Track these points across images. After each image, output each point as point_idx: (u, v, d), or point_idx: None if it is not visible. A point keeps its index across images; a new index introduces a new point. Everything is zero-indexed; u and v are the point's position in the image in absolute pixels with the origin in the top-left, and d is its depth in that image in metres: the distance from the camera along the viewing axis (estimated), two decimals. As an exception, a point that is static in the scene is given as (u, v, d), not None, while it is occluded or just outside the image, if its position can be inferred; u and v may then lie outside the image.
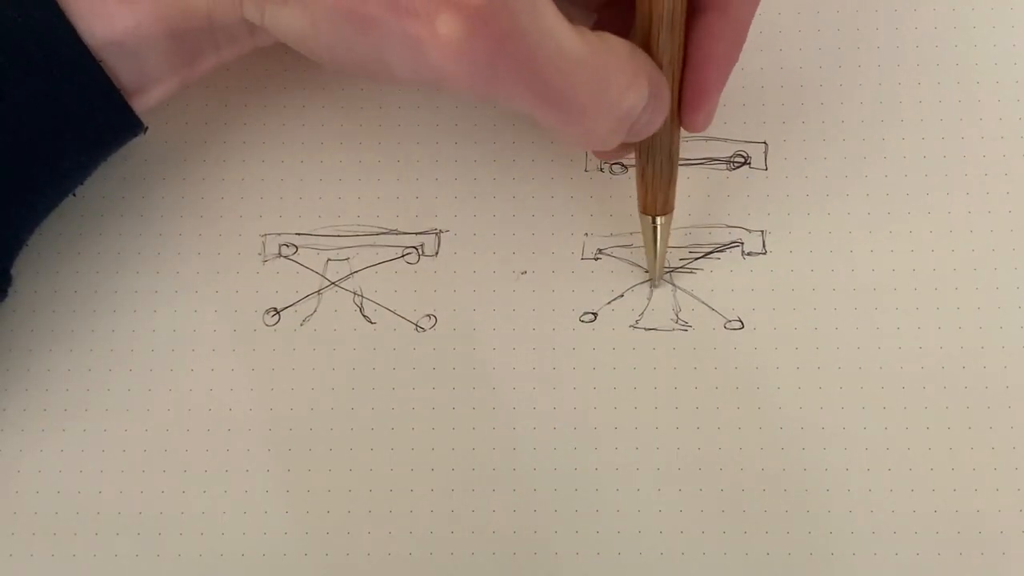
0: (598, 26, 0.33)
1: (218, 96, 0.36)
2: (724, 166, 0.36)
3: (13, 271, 0.31)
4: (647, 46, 0.30)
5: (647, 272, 0.34)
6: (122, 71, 0.29)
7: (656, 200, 0.32)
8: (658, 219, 0.33)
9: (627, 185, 0.35)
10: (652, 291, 0.34)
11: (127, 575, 0.32)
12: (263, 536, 0.32)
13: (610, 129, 0.29)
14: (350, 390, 0.33)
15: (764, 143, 0.36)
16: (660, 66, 0.30)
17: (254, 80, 0.37)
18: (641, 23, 0.30)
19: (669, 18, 0.29)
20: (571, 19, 0.28)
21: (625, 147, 0.32)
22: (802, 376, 0.33)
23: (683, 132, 0.32)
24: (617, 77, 0.28)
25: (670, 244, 0.34)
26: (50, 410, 0.33)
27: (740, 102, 0.36)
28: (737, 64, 0.36)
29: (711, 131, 0.35)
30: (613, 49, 0.28)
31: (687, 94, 0.31)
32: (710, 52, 0.30)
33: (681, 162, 0.35)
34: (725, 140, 0.36)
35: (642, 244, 0.34)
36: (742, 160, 0.36)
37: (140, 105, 0.30)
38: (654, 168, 0.32)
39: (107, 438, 0.33)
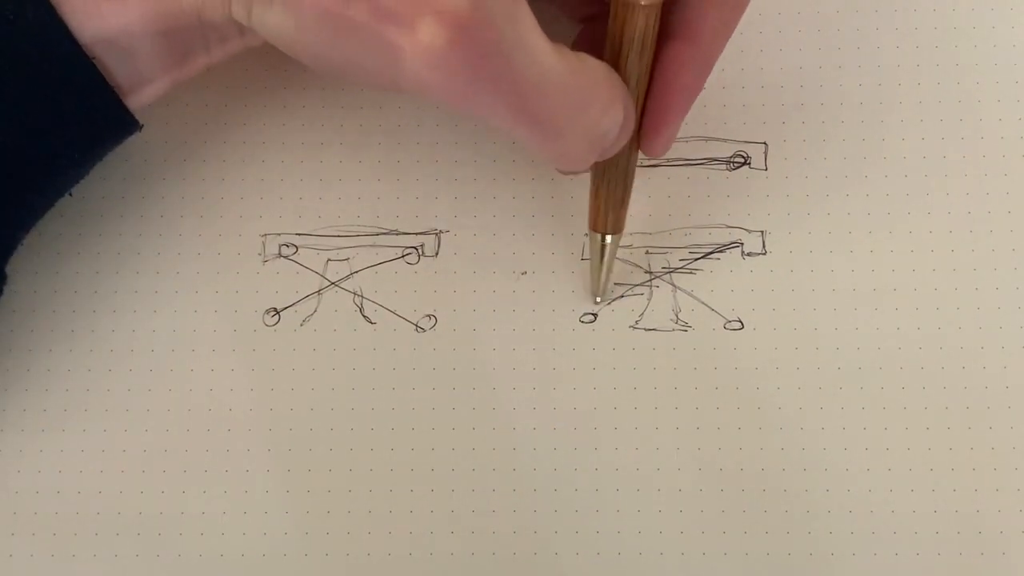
0: (582, 36, 0.33)
1: (218, 96, 0.36)
2: (724, 166, 0.36)
3: (8, 270, 0.31)
4: (615, 66, 0.29)
5: (592, 290, 0.34)
6: (115, 69, 0.29)
7: (607, 219, 0.32)
8: (607, 237, 0.33)
9: (627, 185, 0.35)
10: (652, 291, 0.34)
11: (127, 575, 0.32)
12: (263, 536, 0.32)
13: (584, 151, 0.29)
14: (350, 390, 0.34)
15: (764, 143, 0.36)
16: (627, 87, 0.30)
17: (254, 80, 0.37)
18: (612, 43, 0.29)
19: (640, 42, 0.29)
20: (557, 32, 0.28)
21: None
22: (802, 376, 0.33)
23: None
24: (594, 100, 0.28)
25: (673, 245, 0.35)
26: (50, 410, 0.33)
27: (740, 102, 0.36)
28: (737, 64, 0.36)
29: (711, 131, 0.36)
30: (592, 71, 0.28)
31: (648, 119, 0.31)
32: (675, 80, 0.30)
33: (681, 162, 0.35)
34: (725, 140, 0.36)
35: (641, 245, 0.34)
36: (742, 160, 0.36)
37: (133, 104, 0.30)
38: (608, 188, 0.32)
39: (107, 438, 0.33)
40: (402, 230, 0.35)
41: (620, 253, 0.34)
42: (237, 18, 0.28)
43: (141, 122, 0.31)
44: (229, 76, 0.36)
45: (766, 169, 0.36)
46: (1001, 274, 0.34)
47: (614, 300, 0.34)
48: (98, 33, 0.28)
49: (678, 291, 0.34)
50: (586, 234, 0.35)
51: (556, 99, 0.27)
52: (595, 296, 0.34)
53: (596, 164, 0.31)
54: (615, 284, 0.34)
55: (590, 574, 0.32)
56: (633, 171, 0.32)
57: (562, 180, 0.35)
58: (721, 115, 0.36)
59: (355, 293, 0.34)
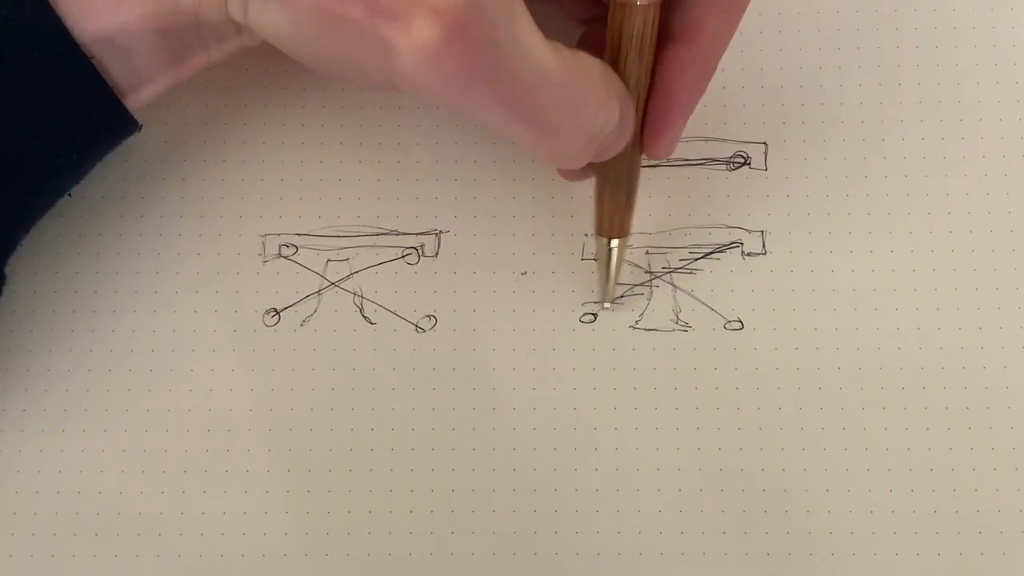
0: (584, 38, 0.33)
1: (218, 96, 0.36)
2: (724, 166, 0.36)
3: (8, 270, 0.31)
4: (615, 68, 0.29)
5: (600, 294, 0.34)
6: (113, 69, 0.29)
7: (612, 223, 0.32)
8: (613, 241, 0.33)
9: (627, 185, 0.35)
10: (652, 291, 0.34)
11: (127, 575, 0.32)
12: (263, 536, 0.32)
13: (580, 148, 0.29)
14: (350, 390, 0.34)
15: (764, 143, 0.36)
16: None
17: (254, 80, 0.37)
18: (611, 45, 0.30)
19: (638, 43, 0.29)
20: (558, 33, 0.28)
21: (589, 169, 0.32)
22: (802, 376, 0.33)
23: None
24: (590, 97, 0.28)
25: (673, 245, 0.35)
26: (50, 410, 0.33)
27: (740, 102, 0.36)
28: (737, 64, 0.36)
29: (711, 131, 0.36)
30: (587, 68, 0.28)
31: (650, 121, 0.31)
32: (677, 82, 0.30)
33: (681, 162, 0.35)
34: (725, 140, 0.36)
35: (641, 245, 0.34)
36: (742, 160, 0.36)
37: (131, 104, 0.30)
38: (612, 191, 0.32)
39: (107, 438, 0.33)
40: (402, 230, 0.35)
41: (620, 253, 0.34)
42: (234, 16, 0.28)
43: (140, 122, 0.31)
44: (229, 76, 0.36)
45: (766, 169, 0.36)
46: (1001, 274, 0.34)
47: (614, 300, 0.34)
48: (96, 32, 0.28)
49: (678, 291, 0.34)
50: (587, 234, 0.35)
51: (551, 96, 0.27)
52: (603, 301, 0.34)
53: (600, 167, 0.31)
54: (615, 285, 0.34)
55: (590, 574, 0.32)
56: (637, 174, 0.32)
57: (562, 180, 0.35)
58: (721, 115, 0.36)
59: (355, 293, 0.34)
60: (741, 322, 0.34)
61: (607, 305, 0.34)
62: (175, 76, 0.30)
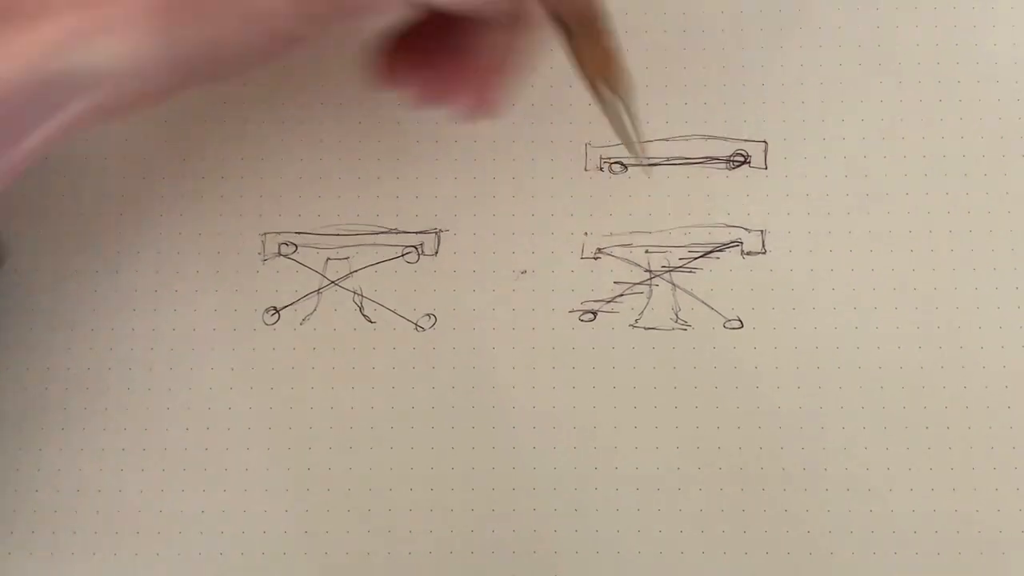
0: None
1: (218, 95, 0.36)
2: (724, 165, 0.36)
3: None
4: (593, 35, 0.28)
5: (627, 149, 0.31)
6: None
7: (595, 62, 0.29)
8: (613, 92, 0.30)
9: (627, 185, 0.35)
10: (652, 290, 0.34)
11: (126, 574, 0.32)
12: (262, 535, 0.32)
13: None
14: (350, 389, 0.34)
15: (764, 142, 0.36)
16: None
17: (253, 79, 0.36)
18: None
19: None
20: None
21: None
22: (801, 376, 0.33)
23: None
24: None
25: (673, 244, 0.35)
26: (50, 410, 0.33)
27: (740, 101, 0.36)
28: (737, 63, 0.36)
29: (711, 130, 0.36)
30: None
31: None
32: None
33: (681, 161, 0.35)
34: (725, 139, 0.36)
35: (641, 244, 0.34)
36: (742, 159, 0.36)
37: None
38: (588, 43, 0.29)
39: (106, 437, 0.33)
40: (402, 229, 0.35)
41: (620, 252, 0.34)
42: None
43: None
44: (229, 75, 0.36)
45: (766, 168, 0.36)
46: (1001, 274, 0.34)
47: (614, 299, 0.34)
48: None
49: (678, 290, 0.34)
50: (586, 233, 0.35)
51: None
52: (635, 155, 0.32)
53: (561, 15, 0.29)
54: (614, 283, 0.34)
55: (589, 573, 0.32)
56: (604, 9, 0.29)
57: (562, 180, 0.35)
58: (721, 114, 0.36)
59: (355, 292, 0.35)
60: (740, 321, 0.34)
61: (640, 157, 0.32)
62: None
